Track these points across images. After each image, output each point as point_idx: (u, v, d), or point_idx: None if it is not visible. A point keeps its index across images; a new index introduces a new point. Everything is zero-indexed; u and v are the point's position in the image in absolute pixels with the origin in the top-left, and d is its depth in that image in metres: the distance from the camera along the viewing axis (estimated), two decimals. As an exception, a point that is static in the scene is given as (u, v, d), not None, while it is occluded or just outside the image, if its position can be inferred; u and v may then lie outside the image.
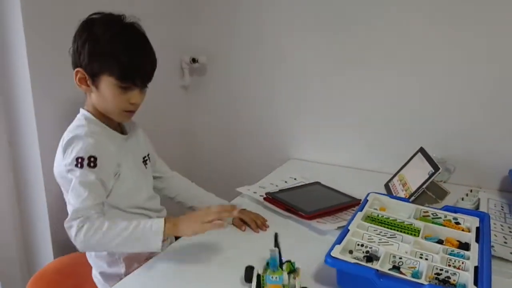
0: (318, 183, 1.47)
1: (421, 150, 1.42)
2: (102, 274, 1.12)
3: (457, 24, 1.42)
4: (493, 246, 1.04)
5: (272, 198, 1.32)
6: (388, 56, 1.54)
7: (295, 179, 1.53)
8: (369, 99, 1.61)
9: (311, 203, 1.28)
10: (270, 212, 1.28)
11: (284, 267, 0.87)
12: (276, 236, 0.88)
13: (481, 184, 1.44)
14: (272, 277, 0.84)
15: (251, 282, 0.87)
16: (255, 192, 1.40)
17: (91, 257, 1.14)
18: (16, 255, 1.40)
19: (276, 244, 0.87)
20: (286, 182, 1.50)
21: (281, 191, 1.38)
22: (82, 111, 1.09)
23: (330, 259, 0.88)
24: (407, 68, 1.52)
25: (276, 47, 1.73)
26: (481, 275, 0.83)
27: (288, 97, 1.76)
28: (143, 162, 1.20)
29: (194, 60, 1.83)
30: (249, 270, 0.91)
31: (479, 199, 1.28)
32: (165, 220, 0.95)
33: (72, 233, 0.92)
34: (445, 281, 0.86)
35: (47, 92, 1.30)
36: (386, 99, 1.59)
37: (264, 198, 1.34)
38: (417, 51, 1.50)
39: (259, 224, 1.20)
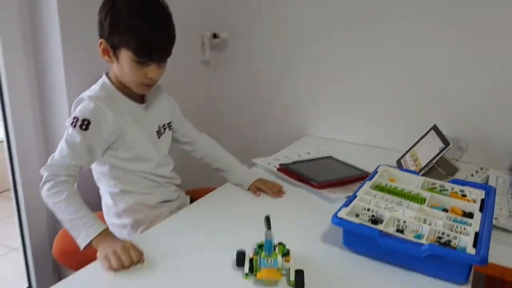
0: (330, 157, 1.51)
1: (434, 128, 1.44)
2: (112, 225, 1.21)
3: (470, 8, 1.43)
4: (496, 218, 1.08)
5: (285, 169, 1.37)
6: (403, 37, 1.57)
7: (308, 153, 1.58)
8: (384, 79, 1.64)
9: (323, 174, 1.33)
10: (283, 183, 1.33)
11: (277, 249, 0.87)
12: (267, 218, 0.85)
13: (493, 163, 1.46)
14: (267, 261, 0.83)
15: (242, 266, 0.86)
16: (269, 163, 1.45)
17: (104, 208, 1.23)
18: (44, 215, 1.50)
19: (269, 226, 0.84)
20: (300, 156, 1.55)
21: (294, 162, 1.43)
22: (103, 77, 1.15)
23: (336, 219, 0.93)
24: (422, 49, 1.54)
25: (297, 26, 1.76)
26: (480, 239, 0.87)
27: (305, 75, 1.80)
28: (157, 132, 1.23)
29: (215, 36, 1.88)
30: (240, 254, 0.88)
31: (488, 176, 1.31)
32: (101, 232, 0.94)
33: (42, 180, 1.02)
34: (446, 244, 0.90)
35: (78, 64, 1.37)
36: (401, 79, 1.61)
37: (278, 169, 1.39)
38: (431, 33, 1.51)
39: (275, 191, 1.25)
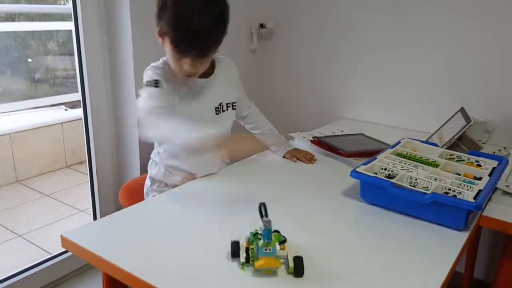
0: (362, 134, 1.65)
1: (461, 110, 1.53)
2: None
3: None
4: (508, 186, 1.17)
5: (318, 141, 1.53)
6: (432, 22, 1.68)
7: (342, 131, 1.72)
8: (415, 65, 1.75)
9: (352, 146, 1.47)
10: (315, 153, 1.48)
11: (273, 237, 0.82)
12: (262, 206, 0.82)
13: (519, 146, 1.53)
14: (266, 250, 0.79)
15: (238, 257, 0.83)
16: (304, 137, 1.61)
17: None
18: (111, 169, 1.76)
19: (266, 214, 0.81)
20: (333, 132, 1.70)
21: (327, 136, 1.58)
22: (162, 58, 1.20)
23: (354, 173, 1.08)
24: (451, 34, 1.65)
25: (336, 16, 1.90)
26: (481, 193, 0.98)
27: (342, 63, 1.94)
28: (216, 108, 1.26)
29: (262, 26, 2.06)
30: (235, 245, 0.85)
31: (509, 153, 1.38)
32: None
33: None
34: (451, 198, 1.02)
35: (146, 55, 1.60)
36: (431, 64, 1.71)
37: (311, 141, 1.55)
38: (459, 17, 1.62)
39: (308, 158, 1.41)
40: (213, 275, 0.80)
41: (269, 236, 0.79)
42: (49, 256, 1.72)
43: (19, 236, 2.28)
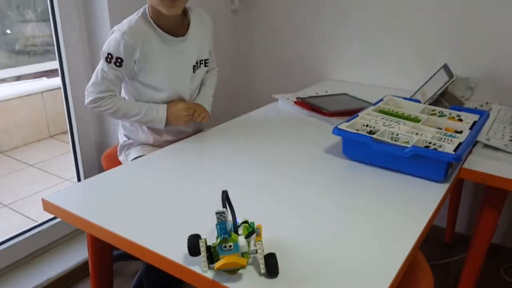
0: (346, 94, 1.64)
1: (444, 66, 1.53)
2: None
3: None
4: (489, 139, 1.19)
5: (302, 101, 1.52)
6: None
7: (326, 92, 1.71)
8: (399, 24, 1.73)
9: (335, 105, 1.46)
10: (299, 114, 1.48)
11: (241, 230, 0.71)
12: (224, 194, 0.69)
13: (502, 101, 1.53)
14: (225, 247, 0.65)
15: (197, 255, 0.69)
16: (288, 98, 1.60)
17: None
18: (93, 136, 1.73)
19: (225, 203, 0.68)
20: (317, 93, 1.68)
21: (311, 97, 1.57)
22: (144, 8, 1.18)
23: (336, 130, 1.08)
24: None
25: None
26: (461, 145, 0.99)
27: (325, 24, 1.91)
28: (193, 66, 1.28)
29: (243, -15, 2.00)
30: (193, 240, 0.70)
31: (491, 109, 1.39)
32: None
33: (95, 108, 1.23)
34: (432, 151, 1.02)
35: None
36: (415, 23, 1.69)
37: (295, 102, 1.54)
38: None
39: (196, 116, 1.30)
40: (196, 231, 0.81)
41: (224, 230, 0.65)
42: (36, 223, 1.72)
43: (5, 206, 2.27)
